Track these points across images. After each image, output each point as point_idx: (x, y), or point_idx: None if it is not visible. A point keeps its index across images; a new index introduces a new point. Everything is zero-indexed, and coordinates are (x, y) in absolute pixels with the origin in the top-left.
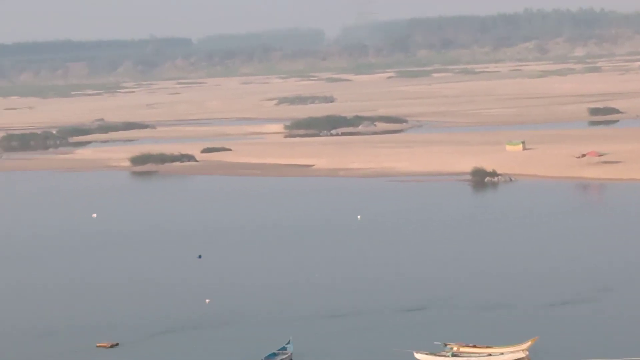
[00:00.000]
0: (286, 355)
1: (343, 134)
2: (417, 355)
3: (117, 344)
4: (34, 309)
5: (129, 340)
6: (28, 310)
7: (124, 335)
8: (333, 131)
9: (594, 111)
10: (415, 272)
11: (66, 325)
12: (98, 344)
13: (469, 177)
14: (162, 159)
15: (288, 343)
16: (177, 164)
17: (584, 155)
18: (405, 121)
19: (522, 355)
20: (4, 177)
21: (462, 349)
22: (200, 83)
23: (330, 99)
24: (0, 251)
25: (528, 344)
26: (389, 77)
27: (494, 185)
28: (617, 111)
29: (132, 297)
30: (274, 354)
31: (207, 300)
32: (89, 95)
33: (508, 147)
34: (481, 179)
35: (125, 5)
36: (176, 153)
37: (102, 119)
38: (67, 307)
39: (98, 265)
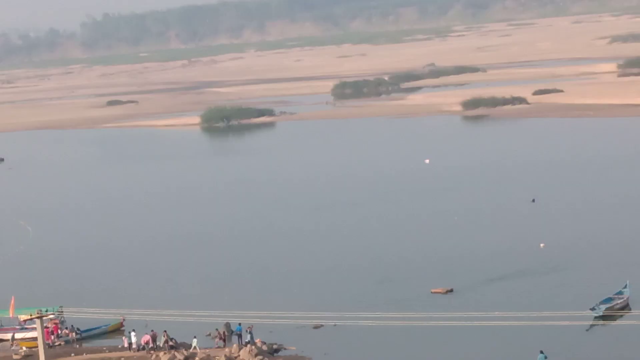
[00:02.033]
0: (622, 299)
1: None
2: None
3: (451, 290)
4: (378, 253)
5: (463, 286)
6: (370, 255)
7: (458, 281)
8: None
9: None
10: None
11: (403, 272)
12: (433, 290)
13: None
14: (494, 102)
15: (625, 287)
16: (509, 106)
17: None
18: None
19: None
20: (338, 124)
21: None
22: (531, 24)
23: None
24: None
25: None
26: None
27: None
28: None
29: (461, 241)
30: (610, 299)
31: (542, 245)
32: (420, 40)
33: None
34: None
35: None
36: (507, 96)
37: (433, 64)
38: (403, 252)
39: (435, 206)
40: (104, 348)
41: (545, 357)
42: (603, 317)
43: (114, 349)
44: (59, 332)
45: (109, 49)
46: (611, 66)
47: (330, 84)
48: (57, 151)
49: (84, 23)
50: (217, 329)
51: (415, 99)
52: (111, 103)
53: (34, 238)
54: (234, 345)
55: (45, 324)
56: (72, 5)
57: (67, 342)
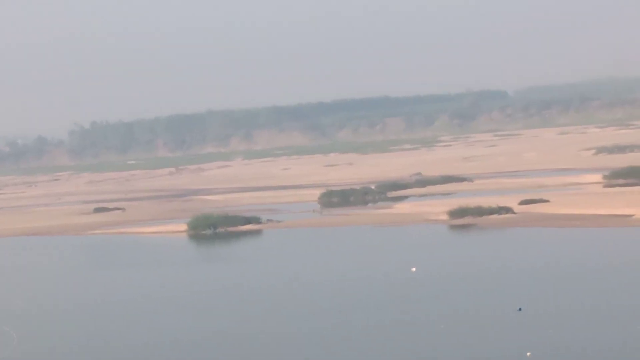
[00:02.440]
0: None
1: None
2: None
3: None
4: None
5: None
6: None
7: None
8: None
9: None
10: None
11: None
12: None
13: None
14: (480, 211)
15: None
16: (495, 216)
17: None
18: None
19: None
20: (325, 232)
21: None
22: (517, 134)
23: None
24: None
25: None
26: None
27: None
28: None
29: (447, 349)
30: None
31: (528, 354)
32: (407, 149)
33: None
34: None
35: (443, 59)
36: (494, 205)
37: (419, 173)
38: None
39: (420, 313)
40: None
41: None
42: None
43: None
44: None
45: (96, 156)
46: (597, 177)
47: (318, 192)
48: (44, 258)
49: (72, 131)
50: None
51: (402, 208)
52: (98, 210)
53: (19, 344)
54: None
55: None
56: (60, 114)
57: None
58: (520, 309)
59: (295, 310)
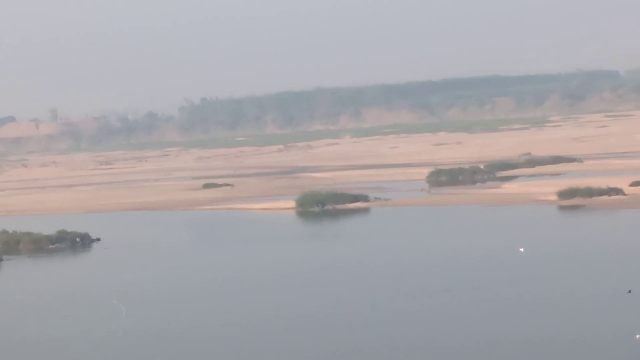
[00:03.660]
0: None
1: None
2: None
3: None
4: (466, 339)
5: None
6: (459, 341)
7: None
8: None
9: None
10: None
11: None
12: None
13: None
14: (590, 192)
15: None
16: (605, 197)
17: None
18: None
19: None
20: (433, 211)
21: None
22: (628, 115)
23: None
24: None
25: None
26: None
27: None
28: None
29: (552, 328)
30: None
31: (638, 336)
32: (516, 129)
33: None
34: None
35: (554, 38)
36: (604, 186)
37: (529, 153)
38: (494, 336)
39: (528, 293)
40: None
41: None
42: None
43: None
44: None
45: (206, 132)
46: None
47: (426, 171)
48: (153, 232)
49: (182, 107)
50: None
51: (510, 188)
52: (207, 186)
53: (127, 317)
54: None
55: None
56: (170, 90)
57: None
58: (629, 291)
59: (403, 288)
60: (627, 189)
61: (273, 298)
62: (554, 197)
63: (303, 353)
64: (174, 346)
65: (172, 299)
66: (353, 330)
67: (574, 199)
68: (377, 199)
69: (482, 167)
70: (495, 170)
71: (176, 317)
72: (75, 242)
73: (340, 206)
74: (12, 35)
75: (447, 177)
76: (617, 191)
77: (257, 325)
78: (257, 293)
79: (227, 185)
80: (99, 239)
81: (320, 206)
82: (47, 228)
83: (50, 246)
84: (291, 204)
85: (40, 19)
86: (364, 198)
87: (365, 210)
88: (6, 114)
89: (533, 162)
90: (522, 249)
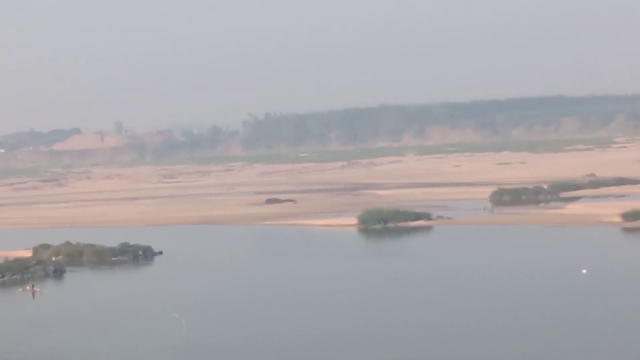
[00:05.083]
0: None
1: None
2: None
3: None
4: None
5: None
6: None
7: None
8: None
9: None
10: None
11: None
12: None
13: None
14: None
15: None
16: None
17: None
18: None
19: None
20: (496, 231)
21: None
22: None
23: None
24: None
25: None
26: None
27: None
28: None
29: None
30: None
31: None
32: (580, 150)
33: None
34: None
35: (621, 59)
36: None
37: (593, 174)
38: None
39: (588, 314)
40: None
41: None
42: None
43: None
44: None
45: (269, 147)
46: None
47: (489, 190)
48: (215, 246)
49: (246, 122)
50: None
51: (574, 209)
52: (270, 201)
53: (187, 331)
54: None
55: None
56: (235, 105)
57: None
58: None
59: (464, 306)
60: None
61: (333, 313)
62: (617, 219)
63: None
64: (231, 358)
65: (233, 313)
66: (414, 346)
67: (638, 221)
68: (439, 217)
69: (545, 187)
70: (559, 191)
71: (236, 331)
72: (138, 255)
73: (402, 224)
74: (80, 51)
75: (510, 197)
76: None
77: (316, 340)
78: (317, 308)
79: (290, 200)
80: (161, 252)
81: (383, 223)
82: (110, 240)
83: (113, 258)
84: (353, 220)
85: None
86: (427, 216)
87: (428, 229)
88: (72, 126)
89: (597, 183)
90: (584, 271)
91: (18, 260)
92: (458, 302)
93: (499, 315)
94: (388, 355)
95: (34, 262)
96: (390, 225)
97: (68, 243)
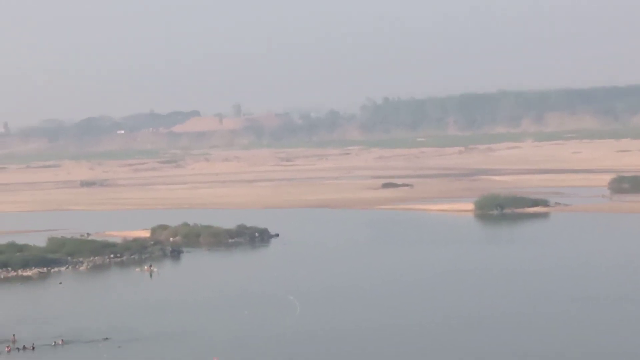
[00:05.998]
0: None
1: None
2: None
3: None
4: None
5: None
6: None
7: None
8: None
9: None
10: None
11: None
12: None
13: None
14: None
15: None
16: None
17: None
18: None
19: None
20: (615, 219)
21: None
22: None
23: None
24: None
25: None
26: None
27: None
28: None
29: None
30: None
31: None
32: None
33: None
34: None
35: None
36: None
37: None
38: None
39: None
40: None
41: None
42: None
43: None
44: None
45: (387, 132)
46: None
47: (608, 177)
48: (331, 230)
49: (364, 106)
50: None
51: None
52: (386, 185)
53: (301, 314)
54: None
55: None
56: (353, 89)
57: None
58: None
59: (581, 294)
60: None
61: (450, 298)
62: None
63: (481, 354)
64: (346, 344)
65: (347, 297)
66: (529, 332)
67: None
68: (557, 204)
69: None
70: None
71: (350, 316)
72: (254, 237)
73: (519, 210)
74: (200, 35)
75: (629, 185)
76: None
77: (428, 325)
78: (432, 293)
79: (407, 185)
80: (277, 235)
81: (500, 209)
82: (227, 222)
83: (230, 240)
84: (470, 206)
85: (230, 22)
86: (544, 202)
87: (545, 215)
88: (191, 108)
89: None
90: None
91: (136, 240)
92: (574, 290)
93: (616, 304)
94: (505, 340)
95: (152, 242)
96: (507, 211)
97: (185, 224)
